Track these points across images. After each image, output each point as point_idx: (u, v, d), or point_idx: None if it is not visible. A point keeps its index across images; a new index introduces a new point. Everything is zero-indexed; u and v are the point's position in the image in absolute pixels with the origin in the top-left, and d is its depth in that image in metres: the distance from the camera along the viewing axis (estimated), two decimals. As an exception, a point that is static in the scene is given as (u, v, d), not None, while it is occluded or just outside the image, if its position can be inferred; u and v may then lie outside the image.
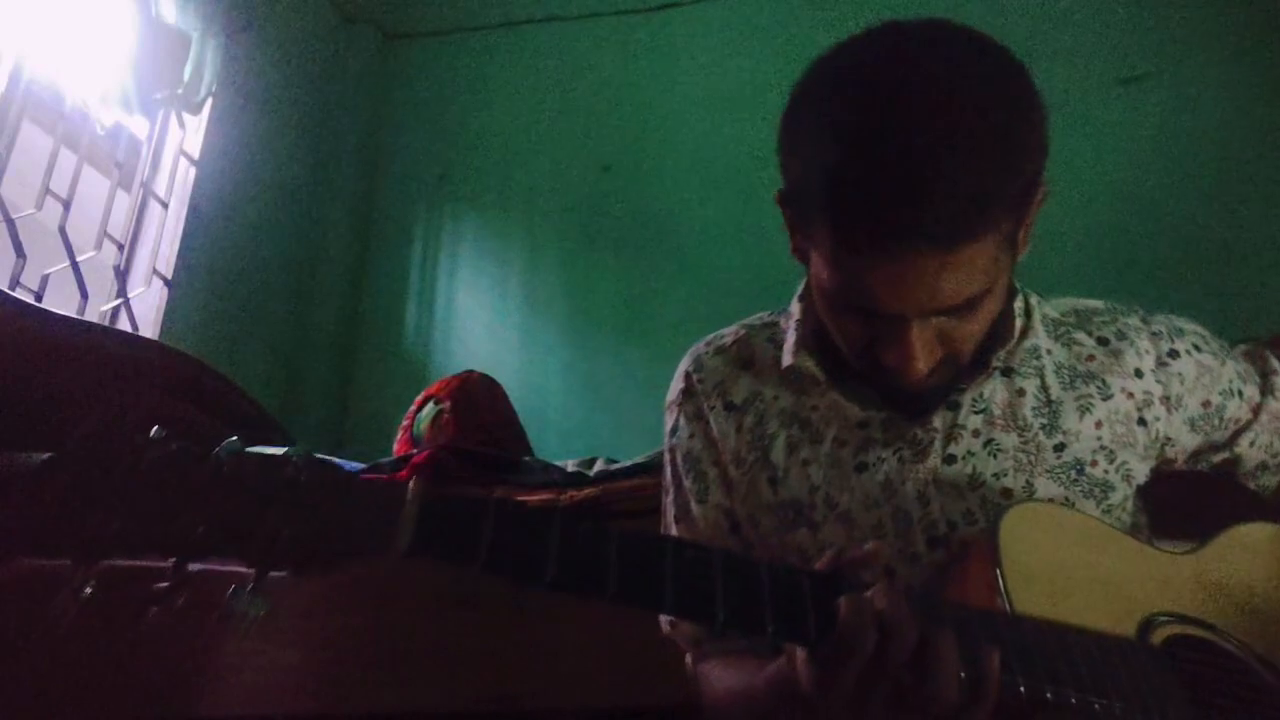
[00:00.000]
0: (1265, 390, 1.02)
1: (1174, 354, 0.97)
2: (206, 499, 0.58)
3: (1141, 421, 0.95)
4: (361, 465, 1.86)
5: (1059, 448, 0.92)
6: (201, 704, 1.41)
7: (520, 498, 1.61)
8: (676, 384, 1.06)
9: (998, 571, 0.79)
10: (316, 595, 1.43)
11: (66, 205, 2.34)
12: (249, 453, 0.61)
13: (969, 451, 0.91)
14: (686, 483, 1.02)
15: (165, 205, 2.72)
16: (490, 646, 1.42)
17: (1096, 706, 0.71)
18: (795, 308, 1.01)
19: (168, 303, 2.59)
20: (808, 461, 0.95)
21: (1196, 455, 1.02)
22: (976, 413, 0.92)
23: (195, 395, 1.69)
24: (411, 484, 0.63)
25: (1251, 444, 1.02)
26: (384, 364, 3.18)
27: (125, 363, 1.64)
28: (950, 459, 0.91)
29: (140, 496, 0.57)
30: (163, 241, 2.66)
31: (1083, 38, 2.87)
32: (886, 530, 0.91)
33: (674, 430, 1.05)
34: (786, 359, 0.98)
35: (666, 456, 1.06)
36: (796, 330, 0.98)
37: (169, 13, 2.59)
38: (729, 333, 1.06)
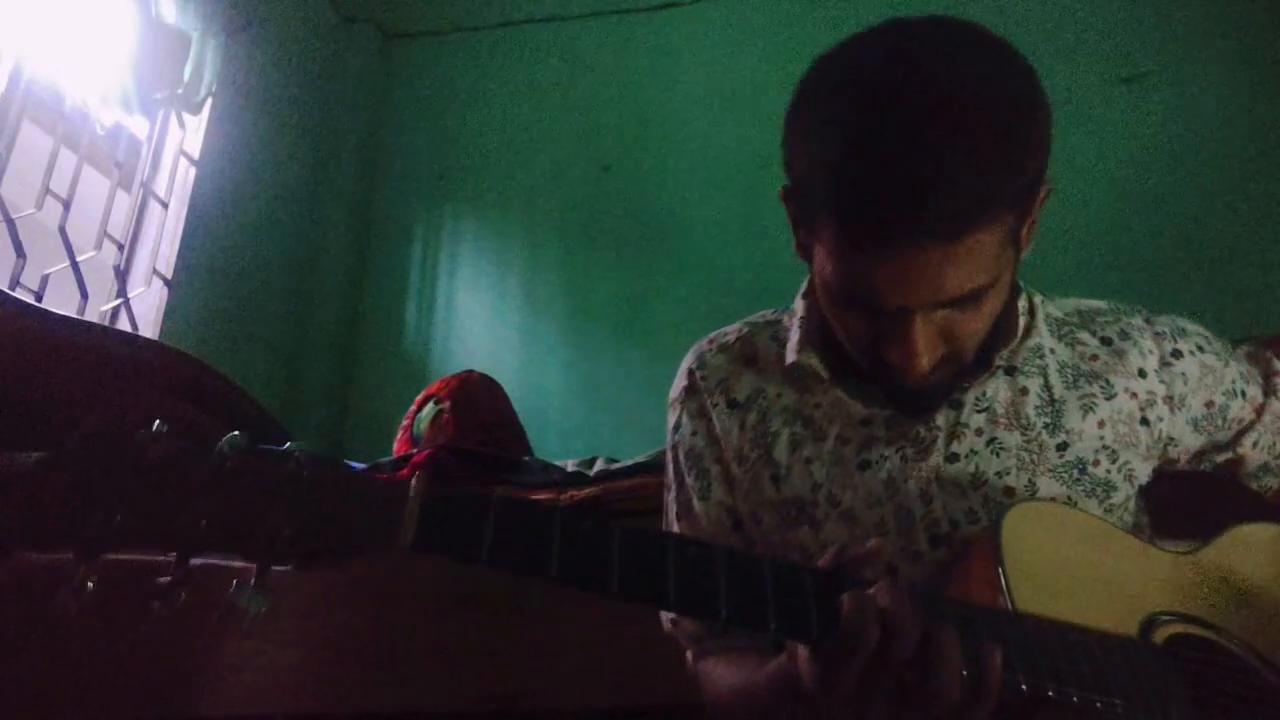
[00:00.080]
0: (1268, 391, 1.02)
1: (1177, 354, 0.97)
2: (209, 494, 0.58)
3: (1144, 421, 0.95)
4: (362, 465, 1.86)
5: (1062, 447, 0.92)
6: (201, 704, 1.41)
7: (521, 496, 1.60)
8: (679, 381, 1.06)
9: (1000, 570, 0.79)
10: (317, 594, 1.43)
11: (66, 205, 2.34)
12: (251, 448, 0.61)
13: (972, 450, 0.91)
14: (689, 480, 1.02)
15: (165, 205, 2.71)
16: (491, 646, 1.42)
17: (1098, 705, 0.71)
18: (799, 305, 1.01)
19: (168, 303, 2.59)
20: (810, 459, 0.95)
21: (1199, 456, 1.02)
22: (979, 411, 0.93)
23: (195, 395, 1.69)
24: (414, 479, 0.63)
25: (1254, 444, 1.02)
26: (384, 364, 3.18)
27: (125, 363, 1.64)
28: (953, 457, 0.91)
29: (143, 490, 0.57)
30: (163, 241, 2.66)
31: (1084, 36, 2.87)
32: (889, 528, 0.91)
33: (676, 427, 1.05)
34: (790, 356, 0.98)
35: (669, 454, 1.06)
36: (800, 328, 0.98)
37: (169, 13, 2.59)
38: (732, 330, 1.06)
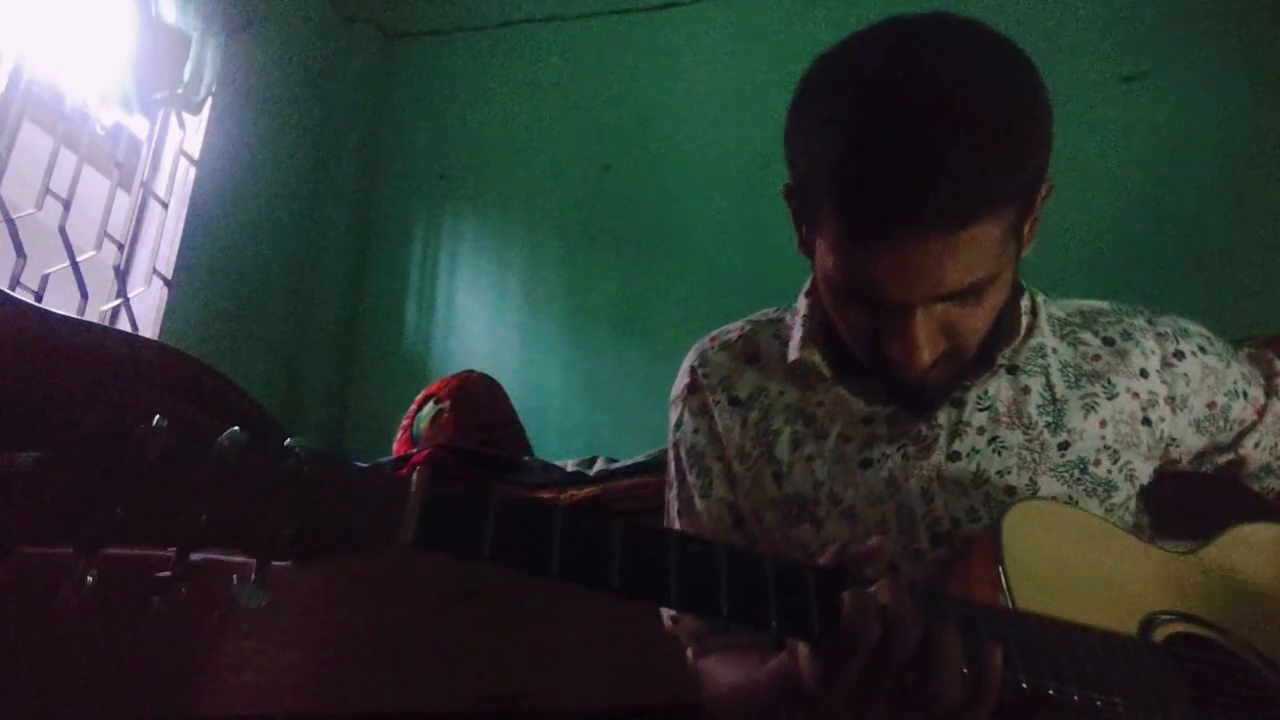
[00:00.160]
0: (1270, 392, 1.02)
1: (1179, 355, 0.98)
2: (209, 490, 0.58)
3: (1146, 421, 0.95)
4: (362, 465, 1.86)
5: (1063, 446, 0.92)
6: (201, 704, 1.41)
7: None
8: (681, 379, 1.06)
9: (1000, 569, 0.79)
10: (316, 592, 1.43)
11: (66, 205, 2.33)
12: (252, 444, 0.61)
13: (973, 449, 0.92)
14: (690, 477, 1.02)
15: (165, 205, 2.71)
16: (491, 645, 1.42)
17: (1099, 703, 0.71)
18: (801, 303, 1.01)
19: (168, 303, 2.59)
20: (812, 457, 0.95)
21: (1201, 456, 1.02)
22: (981, 410, 0.93)
23: (195, 395, 1.69)
24: (415, 476, 0.63)
25: (1256, 445, 1.02)
26: (384, 364, 3.18)
27: (125, 363, 1.64)
28: (955, 456, 0.91)
29: (143, 486, 0.57)
30: (163, 241, 2.66)
31: (1084, 35, 2.87)
32: (890, 526, 0.91)
33: (678, 425, 1.05)
34: (792, 354, 0.98)
35: (670, 451, 1.06)
36: (803, 325, 0.98)
37: (169, 13, 2.59)
38: (734, 328, 1.06)
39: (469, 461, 1.84)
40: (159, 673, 1.41)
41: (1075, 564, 0.83)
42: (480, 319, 3.19)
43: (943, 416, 0.93)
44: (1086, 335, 0.98)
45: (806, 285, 1.02)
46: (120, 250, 2.60)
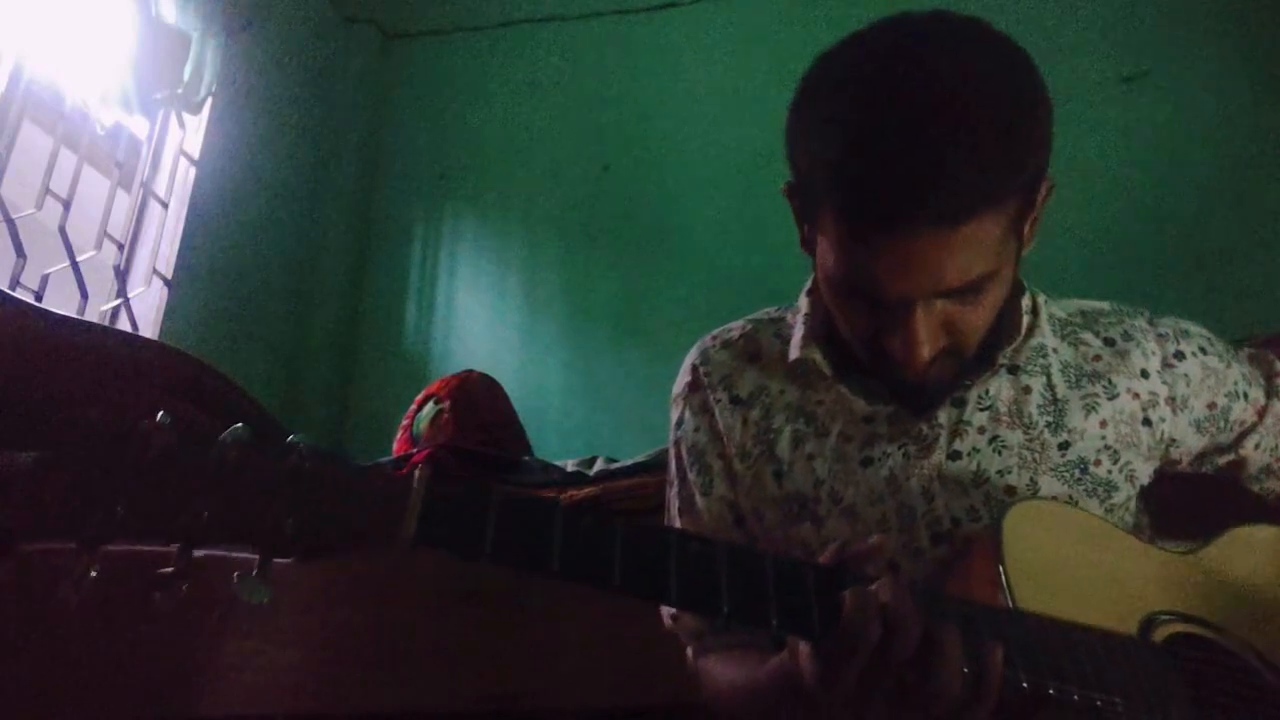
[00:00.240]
0: (1270, 393, 1.03)
1: (1180, 355, 0.98)
2: (211, 486, 0.58)
3: (1146, 422, 0.95)
4: (363, 465, 1.86)
5: (1063, 446, 0.92)
6: (201, 704, 1.41)
7: (521, 496, 1.60)
8: (683, 377, 1.06)
9: (1001, 568, 0.79)
10: (317, 592, 1.43)
11: (66, 205, 2.33)
12: (253, 441, 0.61)
13: (974, 448, 0.92)
14: (691, 475, 1.02)
15: (165, 205, 2.71)
16: (491, 645, 1.42)
17: (1099, 703, 0.71)
18: (803, 302, 1.01)
19: (168, 303, 2.59)
20: (813, 456, 0.95)
21: (1201, 457, 1.02)
22: (982, 409, 0.93)
23: (195, 395, 1.69)
24: (417, 474, 0.63)
25: (1256, 446, 1.02)
26: (384, 364, 3.18)
27: (125, 363, 1.64)
28: (955, 455, 0.92)
29: (146, 481, 0.57)
30: (163, 241, 2.66)
31: (1084, 35, 2.87)
32: (890, 525, 0.91)
33: (679, 423, 1.05)
34: (793, 352, 0.98)
35: (672, 449, 1.06)
36: (804, 324, 0.99)
37: (169, 13, 2.59)
38: (736, 327, 1.07)
39: (469, 462, 1.84)
40: (159, 673, 1.41)
41: (1075, 564, 0.83)
42: (480, 319, 3.19)
43: (943, 416, 0.93)
44: (1087, 335, 0.98)
45: (808, 284, 1.03)
46: (120, 250, 2.60)
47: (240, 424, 0.60)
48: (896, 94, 0.76)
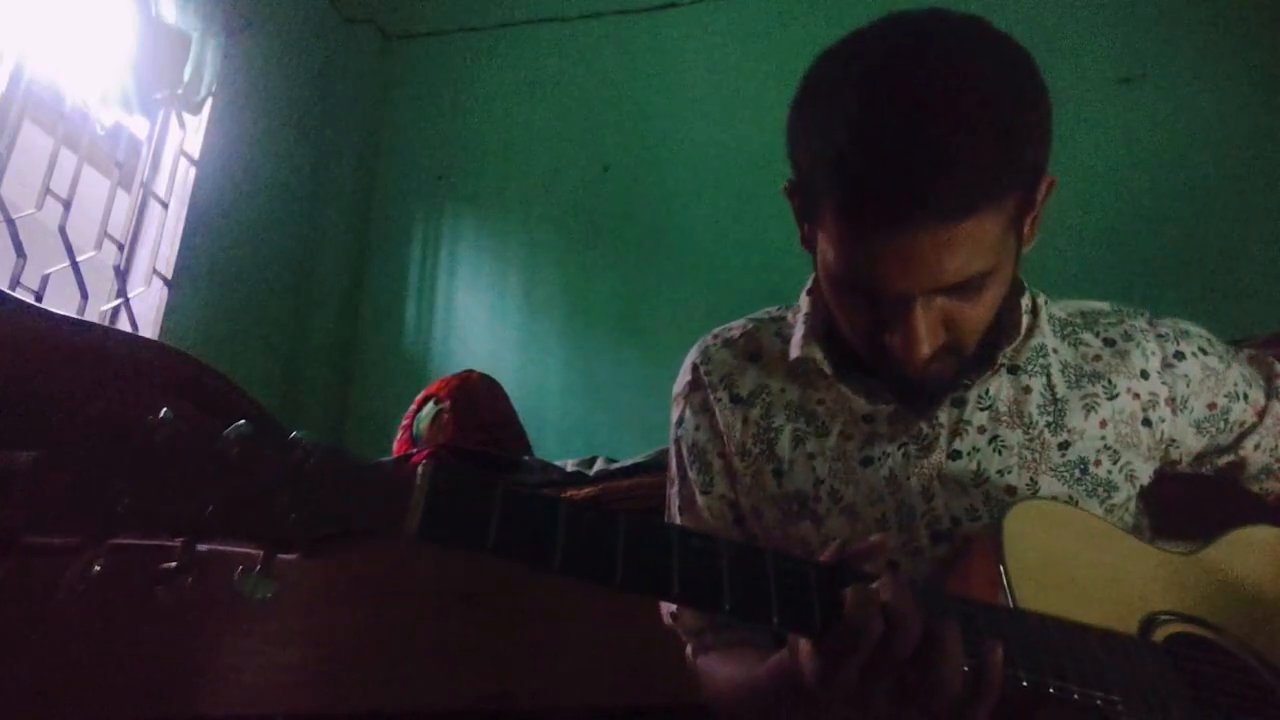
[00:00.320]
0: (1270, 394, 1.03)
1: (1180, 356, 0.98)
2: (215, 480, 0.58)
3: (1146, 422, 0.95)
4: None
5: (1063, 446, 0.92)
6: (201, 704, 1.41)
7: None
8: (683, 376, 1.06)
9: (1001, 568, 0.79)
10: (317, 592, 1.43)
11: (66, 205, 2.34)
12: (258, 436, 0.61)
13: (974, 448, 0.92)
14: (692, 474, 1.02)
15: (165, 205, 2.71)
16: (491, 645, 1.42)
17: (1099, 702, 0.72)
18: (804, 301, 1.01)
19: (168, 303, 2.59)
20: (813, 455, 0.95)
21: (1201, 458, 1.03)
22: (982, 409, 0.93)
23: (195, 395, 1.69)
24: (421, 467, 0.63)
25: (1256, 447, 1.02)
26: (384, 364, 3.18)
27: (125, 363, 1.64)
28: (955, 454, 0.92)
29: (150, 474, 0.57)
30: (163, 241, 2.66)
31: (1082, 37, 2.87)
32: (890, 524, 0.91)
33: (680, 422, 1.05)
34: (794, 351, 0.98)
35: (672, 448, 1.07)
36: (805, 323, 0.99)
37: (169, 13, 2.59)
38: (737, 326, 1.07)
39: (469, 462, 1.84)
40: (159, 673, 1.41)
41: (1076, 563, 0.84)
42: (480, 319, 3.19)
43: (944, 415, 0.93)
44: (1087, 336, 0.98)
45: (809, 283, 1.03)
46: (120, 250, 2.60)
47: (243, 420, 0.60)
48: (896, 92, 0.76)
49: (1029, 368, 0.95)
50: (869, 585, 0.69)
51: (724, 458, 1.00)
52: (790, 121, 0.84)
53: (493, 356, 2.97)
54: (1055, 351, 0.96)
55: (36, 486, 0.55)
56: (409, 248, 3.33)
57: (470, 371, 2.22)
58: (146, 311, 2.56)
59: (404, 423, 2.11)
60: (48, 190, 2.31)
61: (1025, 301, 0.97)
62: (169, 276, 2.62)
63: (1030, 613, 0.76)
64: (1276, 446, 1.03)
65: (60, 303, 2.28)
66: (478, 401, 2.10)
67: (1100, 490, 0.92)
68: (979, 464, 0.91)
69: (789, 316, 1.04)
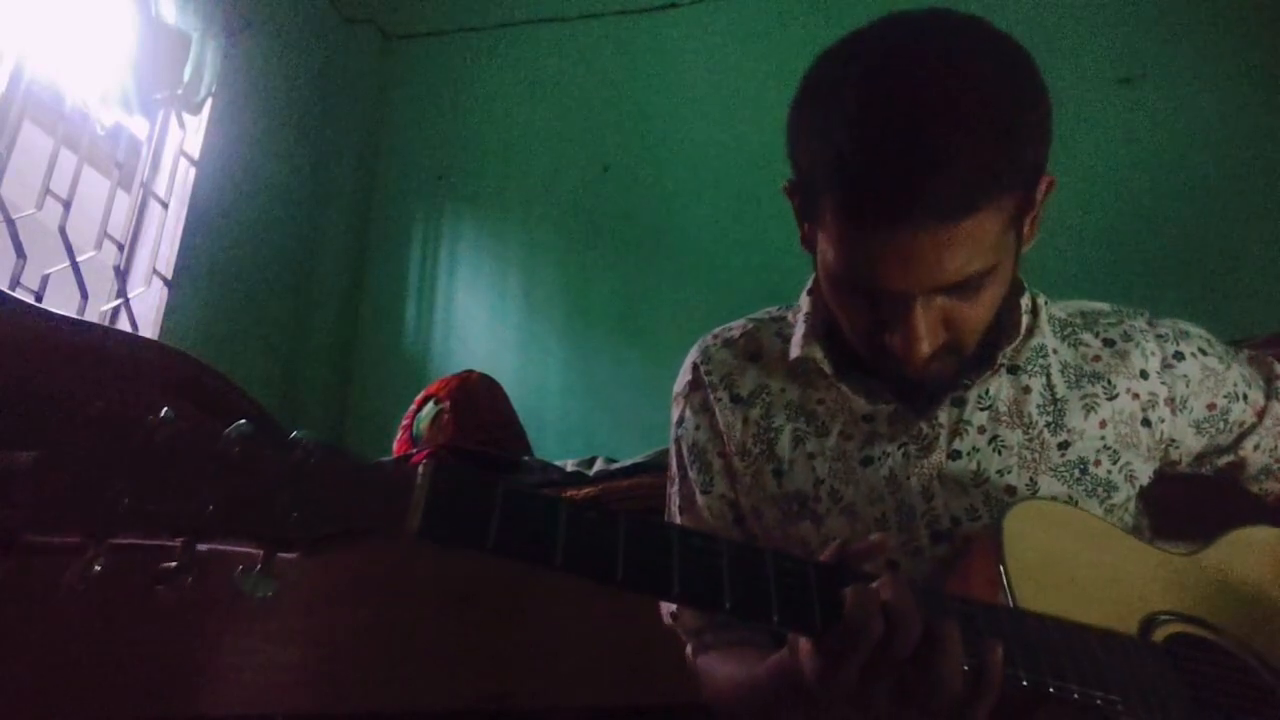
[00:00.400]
0: (1270, 394, 1.03)
1: (1179, 356, 0.98)
2: (216, 478, 0.58)
3: (1146, 422, 0.96)
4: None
5: (1063, 446, 0.92)
6: (201, 703, 1.41)
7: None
8: (684, 375, 1.06)
9: (1001, 567, 0.79)
10: (317, 592, 1.43)
11: (66, 205, 2.34)
12: (259, 436, 0.61)
13: (974, 447, 0.92)
14: (691, 474, 1.03)
15: (165, 205, 2.71)
16: (491, 645, 1.42)
17: (1098, 701, 0.72)
18: (804, 301, 1.01)
19: (168, 303, 2.59)
20: (813, 454, 0.95)
21: (1201, 458, 1.03)
22: (982, 409, 0.93)
23: (195, 395, 1.69)
24: (422, 465, 0.63)
25: (1256, 447, 1.02)
26: (384, 364, 3.18)
27: (125, 363, 1.64)
28: (955, 454, 0.92)
29: (151, 473, 0.57)
30: (163, 241, 2.66)
31: (1081, 38, 2.87)
32: (890, 524, 0.91)
33: (680, 421, 1.05)
34: (794, 351, 0.98)
35: (672, 447, 1.07)
36: (805, 323, 0.99)
37: (169, 13, 2.59)
38: (737, 325, 1.07)
39: (469, 462, 1.84)
40: (159, 672, 1.41)
41: (1076, 564, 0.84)
42: (479, 319, 3.19)
43: (943, 415, 0.93)
44: (1087, 336, 0.98)
45: (809, 283, 1.03)
46: (120, 250, 2.60)
47: (244, 420, 0.61)
48: (896, 91, 0.76)
49: (1029, 368, 0.95)
50: (869, 585, 0.69)
51: (724, 457, 1.00)
52: (790, 121, 0.84)
53: (493, 356, 2.97)
54: (1055, 352, 0.96)
55: (37, 486, 0.55)
56: (409, 248, 3.34)
57: (470, 371, 2.22)
58: (146, 311, 2.56)
59: (404, 423, 2.11)
60: (48, 190, 2.31)
61: (1025, 301, 0.97)
62: (169, 276, 2.62)
63: (1030, 613, 0.76)
64: (1276, 447, 1.03)
65: (60, 303, 2.28)
66: (478, 401, 2.10)
67: (1100, 490, 0.92)
68: (979, 464, 0.91)
69: (789, 316, 1.04)
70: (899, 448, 0.93)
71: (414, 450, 1.97)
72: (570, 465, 2.02)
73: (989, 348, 0.91)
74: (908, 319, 0.81)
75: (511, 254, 3.24)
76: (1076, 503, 0.91)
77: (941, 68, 0.76)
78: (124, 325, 2.47)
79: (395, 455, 2.04)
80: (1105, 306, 1.02)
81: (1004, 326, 0.93)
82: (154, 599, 0.56)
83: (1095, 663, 0.74)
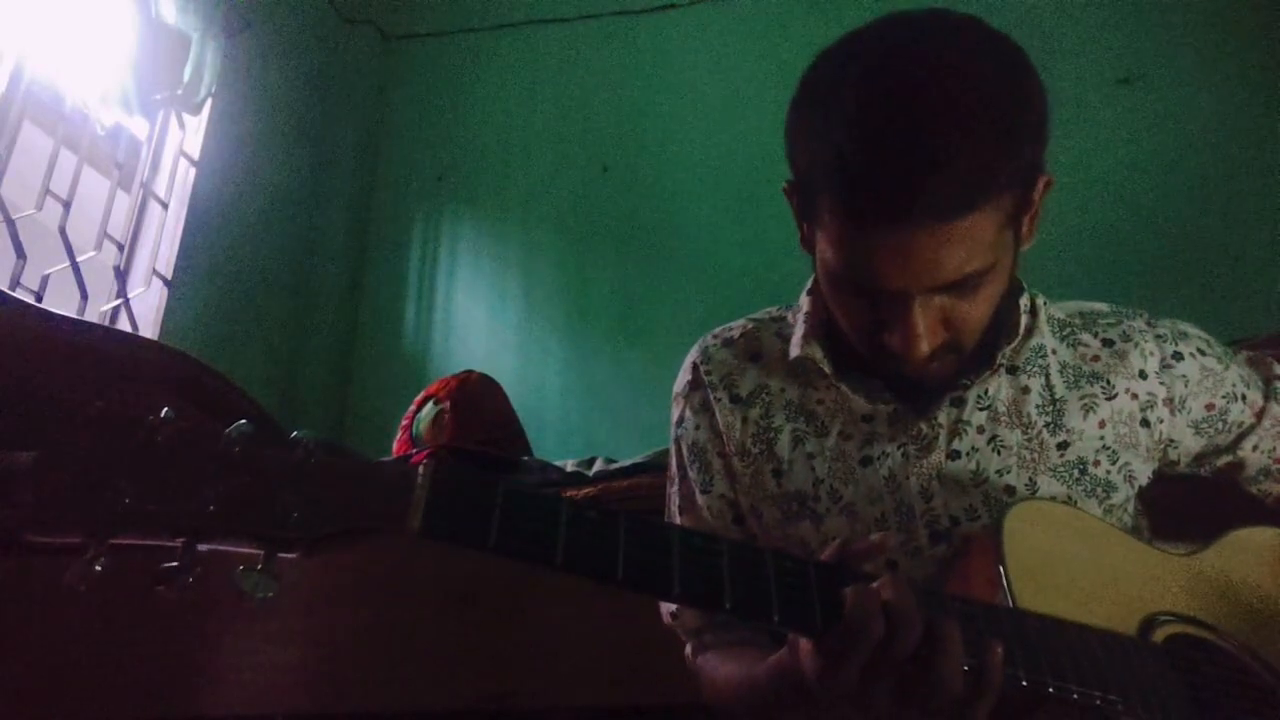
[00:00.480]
0: (1269, 395, 1.03)
1: (1178, 356, 0.98)
2: (217, 478, 0.59)
3: (1145, 423, 0.96)
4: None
5: (1062, 446, 0.92)
6: (201, 703, 1.41)
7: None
8: (684, 375, 1.07)
9: (1001, 568, 0.79)
10: (317, 592, 1.43)
11: (66, 205, 2.34)
12: (260, 435, 0.61)
13: (973, 448, 0.92)
14: (691, 473, 1.03)
15: (165, 205, 2.72)
16: (490, 645, 1.42)
17: (1098, 701, 0.72)
18: (804, 301, 1.02)
19: (168, 303, 2.60)
20: (812, 454, 0.95)
21: (1200, 458, 1.03)
22: (981, 409, 0.93)
23: (195, 395, 1.69)
24: (423, 465, 0.63)
25: (1254, 448, 1.02)
26: (383, 364, 3.18)
27: (125, 363, 1.64)
28: (954, 454, 0.92)
29: (151, 472, 0.57)
30: (163, 241, 2.67)
31: (1081, 38, 2.88)
32: (889, 524, 0.91)
33: (680, 421, 1.05)
34: (794, 350, 0.98)
35: (672, 447, 1.07)
36: (805, 323, 0.99)
37: (169, 13, 2.59)
38: (737, 325, 1.07)
39: (469, 462, 1.84)
40: (159, 672, 1.41)
41: (1075, 564, 0.84)
42: (479, 320, 3.19)
43: (943, 415, 0.93)
44: (1086, 336, 0.99)
45: (809, 283, 1.03)
46: (120, 250, 2.60)
47: (244, 419, 0.61)
48: (894, 91, 0.76)
49: (1028, 368, 0.95)
50: (869, 584, 0.69)
51: (724, 457, 1.00)
52: (789, 121, 0.85)
53: (492, 356, 2.97)
54: (1054, 352, 0.97)
55: (37, 486, 0.55)
56: (408, 248, 3.34)
57: (470, 372, 2.22)
58: (146, 312, 2.57)
59: (404, 423, 2.11)
60: (48, 191, 2.31)
61: (1024, 302, 0.97)
62: (169, 277, 2.62)
63: (1030, 613, 0.76)
64: (1275, 448, 1.03)
65: (60, 303, 2.28)
66: (477, 402, 2.10)
67: (1099, 490, 0.92)
68: (978, 464, 0.91)
69: (789, 316, 1.04)
70: (898, 448, 0.93)
71: (414, 450, 1.97)
72: (570, 465, 2.02)
73: (988, 348, 0.92)
74: (906, 318, 0.81)
75: (511, 254, 3.24)
76: (1076, 503, 0.91)
77: (940, 68, 0.76)
78: (124, 325, 2.48)
79: (395, 455, 2.04)
80: (1104, 307, 1.02)
81: (1003, 327, 0.93)
82: (154, 599, 0.56)
83: (1095, 663, 0.74)
